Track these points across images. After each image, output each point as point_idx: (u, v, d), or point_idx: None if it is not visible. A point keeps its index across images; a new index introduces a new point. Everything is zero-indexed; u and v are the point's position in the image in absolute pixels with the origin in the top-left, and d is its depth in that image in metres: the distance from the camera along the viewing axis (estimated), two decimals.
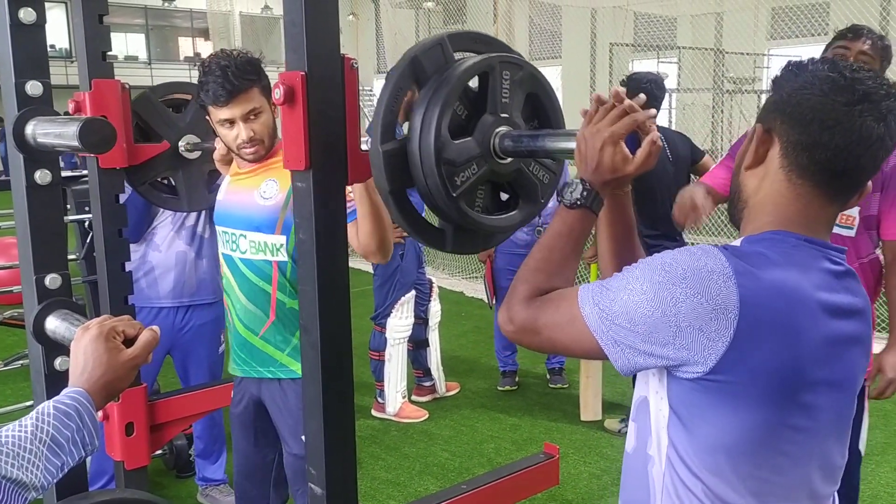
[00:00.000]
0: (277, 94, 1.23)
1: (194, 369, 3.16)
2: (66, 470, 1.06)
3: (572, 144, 1.22)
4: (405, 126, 1.30)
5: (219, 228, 2.23)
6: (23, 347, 4.23)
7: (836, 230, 2.44)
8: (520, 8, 11.10)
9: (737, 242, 1.14)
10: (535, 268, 1.20)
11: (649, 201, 3.77)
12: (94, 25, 1.83)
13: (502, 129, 1.30)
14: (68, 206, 3.31)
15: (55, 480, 1.05)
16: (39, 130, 1.44)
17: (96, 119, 1.31)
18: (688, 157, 3.97)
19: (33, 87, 1.51)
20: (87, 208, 2.62)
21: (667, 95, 5.96)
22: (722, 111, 12.09)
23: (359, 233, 1.92)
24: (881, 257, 2.46)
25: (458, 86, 1.24)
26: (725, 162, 2.76)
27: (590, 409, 4.22)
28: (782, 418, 1.06)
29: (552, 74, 21.95)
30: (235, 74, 1.99)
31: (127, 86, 2.00)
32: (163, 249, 2.99)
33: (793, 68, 1.13)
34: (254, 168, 2.13)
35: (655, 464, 1.15)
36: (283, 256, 2.07)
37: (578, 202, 1.19)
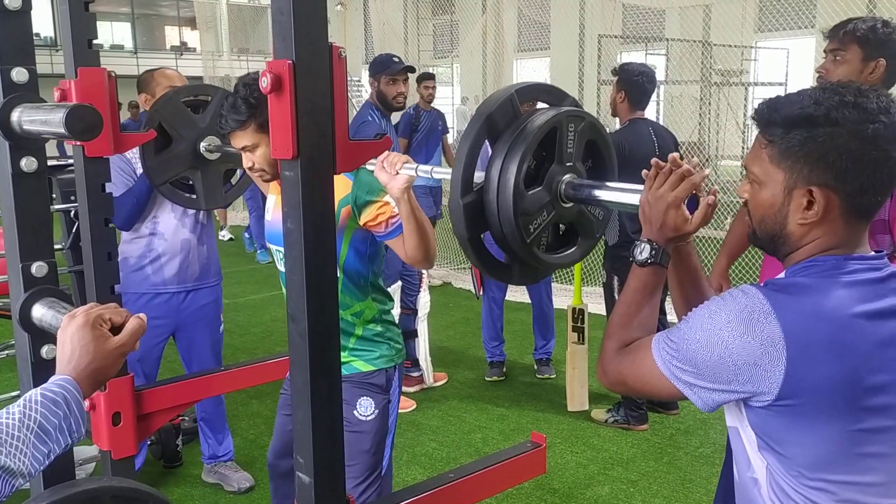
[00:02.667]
0: (264, 82, 1.22)
1: (198, 348, 3.28)
2: (52, 457, 1.06)
3: (632, 199, 1.34)
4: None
5: (272, 247, 2.31)
6: (8, 337, 4.20)
7: None
8: None
9: (781, 274, 1.25)
10: (619, 323, 1.34)
11: None
12: (80, 13, 1.82)
13: (567, 176, 1.40)
14: (54, 196, 3.30)
15: (42, 468, 1.05)
16: (25, 117, 1.43)
17: (83, 106, 1.31)
18: (674, 150, 3.99)
19: (19, 74, 1.50)
20: (72, 197, 2.63)
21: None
22: (710, 103, 12.13)
23: (406, 246, 2.02)
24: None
25: (532, 143, 1.33)
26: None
27: (576, 399, 4.24)
28: (856, 425, 1.14)
29: (540, 66, 21.93)
30: (229, 116, 2.09)
31: (113, 74, 1.99)
32: (168, 237, 3.09)
33: (802, 115, 1.17)
34: None
35: (761, 486, 1.23)
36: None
37: (649, 261, 1.32)
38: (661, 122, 5.00)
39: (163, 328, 3.18)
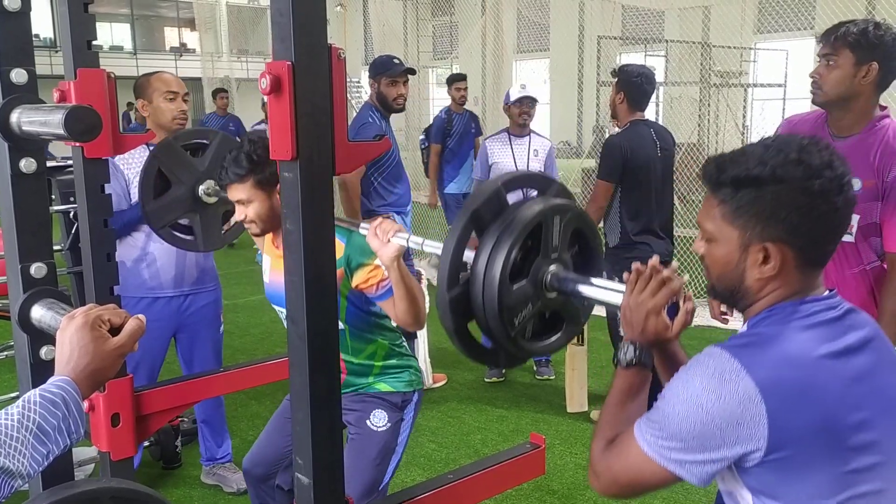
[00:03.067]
0: (264, 83, 1.22)
1: (199, 349, 3.28)
2: (51, 458, 1.06)
3: (614, 298, 1.37)
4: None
5: (275, 307, 2.34)
6: (7, 338, 4.20)
7: None
8: (508, 0, 11.07)
9: (743, 327, 1.29)
10: (605, 423, 1.36)
11: (639, 195, 3.79)
12: (79, 14, 1.82)
13: (553, 267, 1.41)
14: (53, 197, 3.30)
15: (41, 468, 1.05)
16: (24, 118, 1.43)
17: (82, 107, 1.31)
18: (673, 151, 3.99)
19: (18, 75, 1.50)
20: (72, 199, 2.63)
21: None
22: (709, 105, 12.14)
23: (396, 309, 2.04)
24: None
25: (517, 239, 1.33)
26: None
27: (576, 400, 4.24)
28: (845, 467, 1.15)
29: (540, 67, 21.95)
30: (229, 168, 2.14)
31: (112, 75, 1.99)
32: (164, 241, 3.04)
33: (749, 176, 1.22)
34: None
35: None
36: (339, 326, 2.17)
37: (633, 362, 1.37)
38: (663, 126, 5.01)
39: (163, 331, 3.17)
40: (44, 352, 1.59)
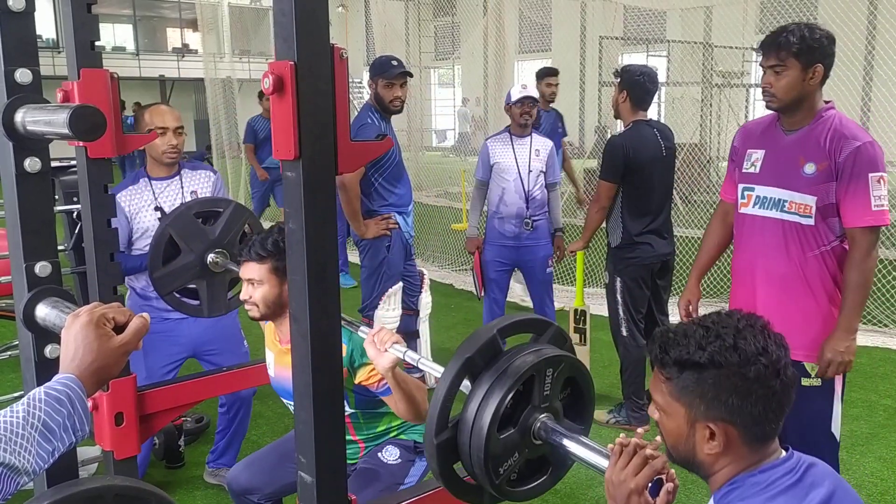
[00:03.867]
0: (266, 83, 1.23)
1: (228, 364, 3.21)
2: (56, 455, 1.07)
3: (599, 462, 1.37)
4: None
5: (284, 401, 2.39)
6: (11, 338, 4.21)
7: (794, 219, 2.52)
8: (509, 0, 11.07)
9: (711, 502, 1.36)
10: None
11: (641, 195, 3.80)
12: (83, 14, 1.83)
13: (542, 416, 1.42)
14: (56, 197, 3.31)
15: (46, 466, 1.06)
16: (29, 118, 1.44)
17: (86, 106, 1.31)
18: (674, 149, 4.00)
19: (22, 75, 1.51)
20: (75, 199, 2.63)
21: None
22: (711, 105, 12.14)
23: (397, 407, 2.07)
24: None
25: (508, 391, 1.34)
26: (731, 174, 2.83)
27: None
28: None
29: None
30: (253, 246, 2.22)
31: (115, 75, 2.00)
32: None
33: (689, 361, 1.30)
34: None
35: None
36: (350, 410, 2.26)
37: None
38: (665, 124, 4.98)
39: (178, 347, 3.15)
40: (48, 350, 1.60)
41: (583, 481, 3.44)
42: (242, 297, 2.26)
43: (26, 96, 1.50)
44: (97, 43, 1.88)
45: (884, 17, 9.22)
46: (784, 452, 1.33)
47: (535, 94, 4.54)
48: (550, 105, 5.86)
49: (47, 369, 1.59)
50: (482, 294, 4.74)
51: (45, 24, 20.45)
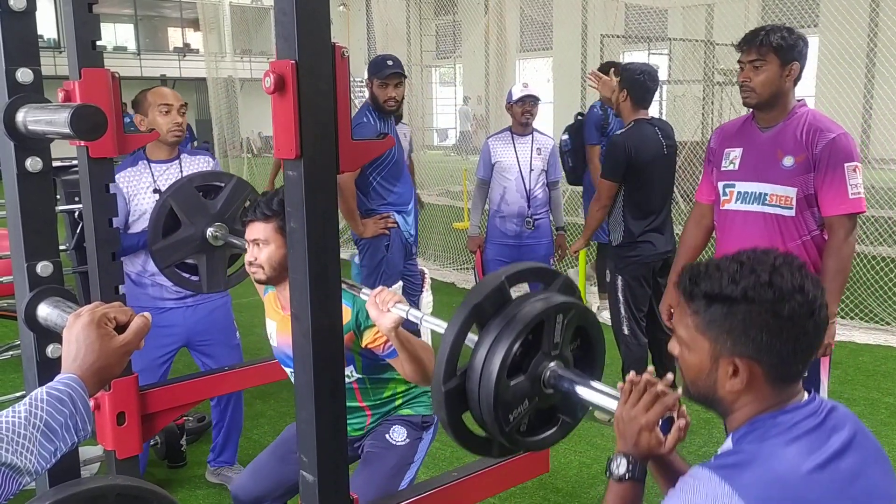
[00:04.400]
0: (268, 82, 1.23)
1: (219, 357, 3.26)
2: (59, 455, 1.07)
3: (610, 405, 1.35)
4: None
5: (286, 370, 2.36)
6: (12, 338, 4.21)
7: (776, 211, 2.61)
8: None
9: (728, 443, 1.30)
10: None
11: (643, 193, 3.79)
12: (84, 14, 1.83)
13: (552, 364, 1.40)
14: (58, 197, 3.30)
15: (48, 466, 1.06)
16: (30, 118, 1.44)
17: (88, 106, 1.31)
18: (675, 147, 3.99)
19: (24, 75, 1.51)
20: (77, 198, 2.63)
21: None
22: (712, 103, 12.12)
23: (403, 369, 2.06)
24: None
25: (517, 337, 1.32)
26: (707, 176, 2.89)
27: None
28: None
29: (543, 66, 21.92)
30: (259, 206, 2.19)
31: (117, 75, 2.00)
32: None
33: (721, 294, 1.24)
34: None
35: None
36: (356, 375, 2.25)
37: (626, 476, 1.35)
38: (665, 121, 4.93)
39: (171, 338, 3.16)
40: (50, 350, 1.60)
41: (584, 481, 3.45)
42: (247, 258, 2.23)
43: (27, 96, 1.50)
44: (98, 42, 1.88)
45: (886, 15, 9.21)
46: (806, 395, 1.29)
47: (536, 93, 4.53)
48: None
49: (49, 369, 1.59)
50: None
51: (47, 24, 20.45)
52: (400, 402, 2.34)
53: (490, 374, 1.31)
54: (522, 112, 4.47)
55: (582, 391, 1.37)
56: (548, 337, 1.38)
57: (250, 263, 2.22)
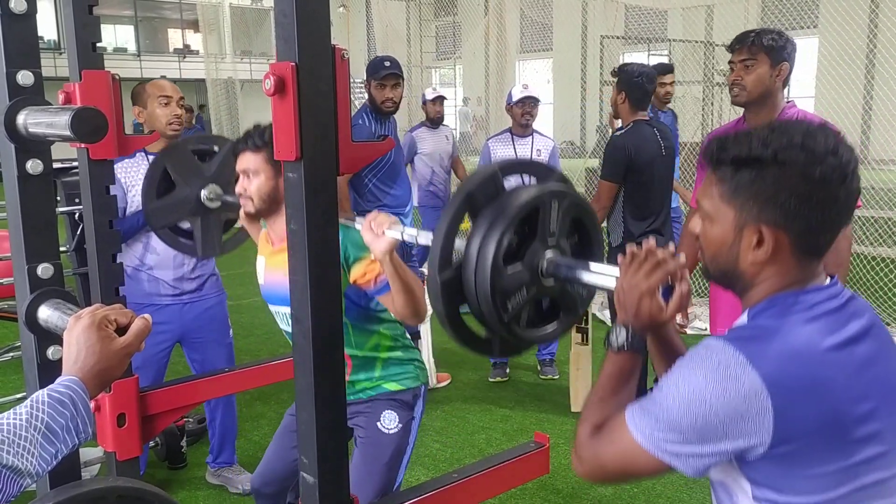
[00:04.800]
0: (268, 84, 1.23)
1: (211, 356, 3.27)
2: (59, 457, 1.07)
3: (608, 283, 1.33)
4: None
5: (272, 308, 2.31)
6: (13, 339, 4.21)
7: None
8: (511, 0, 11.09)
9: (744, 318, 1.24)
10: (592, 407, 1.32)
11: (642, 195, 3.80)
12: (84, 16, 1.83)
13: (549, 254, 1.38)
14: (58, 198, 3.31)
15: (49, 468, 1.06)
16: (31, 120, 1.44)
17: (88, 108, 1.32)
18: (674, 148, 4.00)
19: (24, 77, 1.51)
20: (77, 200, 2.64)
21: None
22: (712, 104, 12.13)
23: (394, 303, 2.01)
24: None
25: (512, 222, 1.31)
26: (701, 181, 2.90)
27: (580, 400, 4.24)
28: (852, 459, 1.13)
29: (543, 67, 21.93)
30: (251, 136, 2.16)
31: (117, 77, 2.00)
32: (160, 252, 3.06)
33: (751, 157, 1.18)
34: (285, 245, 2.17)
35: None
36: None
37: (625, 346, 1.32)
38: (666, 125, 4.93)
39: (164, 335, 3.16)
40: (51, 352, 1.60)
41: (584, 482, 3.45)
42: (237, 190, 2.21)
43: (28, 98, 1.50)
44: (98, 44, 1.89)
45: (885, 16, 9.22)
46: (829, 279, 1.24)
47: (536, 94, 4.53)
48: (667, 105, 5.47)
49: (50, 371, 1.60)
50: None
51: (47, 26, 20.46)
52: (382, 362, 2.25)
53: (485, 259, 1.28)
54: (522, 113, 4.48)
55: (581, 274, 1.35)
56: (543, 224, 1.36)
57: (240, 195, 2.21)
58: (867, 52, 11.11)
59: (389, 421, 2.23)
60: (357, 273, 2.08)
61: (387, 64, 4.09)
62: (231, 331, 3.43)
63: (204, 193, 2.61)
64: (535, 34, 18.03)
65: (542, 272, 1.37)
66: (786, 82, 2.67)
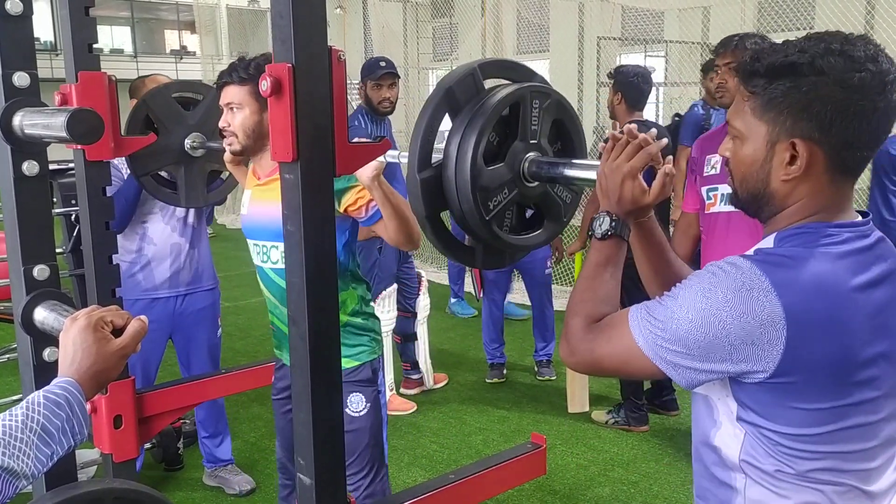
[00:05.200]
0: (265, 85, 1.23)
1: (195, 352, 3.29)
2: (55, 459, 1.07)
3: (592, 175, 1.31)
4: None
5: (249, 241, 2.29)
6: (9, 341, 4.21)
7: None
8: (507, 1, 11.08)
9: (769, 242, 1.18)
10: (582, 299, 1.28)
11: None
12: (81, 17, 1.83)
13: (531, 154, 1.36)
14: (55, 200, 3.31)
15: (45, 469, 1.06)
16: (27, 121, 1.44)
17: (84, 110, 1.31)
18: (669, 150, 4.00)
19: (20, 79, 1.51)
20: (73, 201, 2.64)
21: (654, 89, 5.96)
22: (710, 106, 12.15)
23: (387, 229, 2.02)
24: None
25: (492, 117, 1.29)
26: (692, 185, 2.96)
27: (577, 401, 4.25)
28: (846, 400, 1.12)
29: (540, 68, 21.93)
30: (237, 69, 2.12)
31: (113, 78, 2.00)
32: (157, 242, 3.10)
33: (787, 63, 1.13)
34: (273, 178, 2.17)
35: (731, 452, 1.20)
36: None
37: (609, 233, 1.28)
38: (660, 124, 4.91)
39: (158, 332, 3.17)
40: (47, 353, 1.60)
41: (582, 482, 3.45)
42: (221, 124, 2.18)
43: (24, 100, 1.50)
44: (95, 45, 1.88)
45: (881, 17, 9.24)
46: (860, 216, 1.19)
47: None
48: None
49: (46, 373, 1.59)
50: (481, 295, 4.74)
51: (43, 27, 20.44)
52: (344, 319, 2.18)
53: (465, 155, 1.26)
54: None
55: (563, 170, 1.33)
56: (524, 123, 1.34)
57: (223, 130, 2.17)
58: None
59: (357, 404, 2.20)
60: (348, 201, 2.07)
61: (382, 64, 4.10)
62: (220, 330, 3.43)
63: (188, 142, 2.61)
64: (532, 35, 18.01)
65: (524, 173, 1.36)
66: None
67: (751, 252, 1.16)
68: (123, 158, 2.91)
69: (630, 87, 3.82)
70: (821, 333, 1.08)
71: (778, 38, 1.20)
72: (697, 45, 12.07)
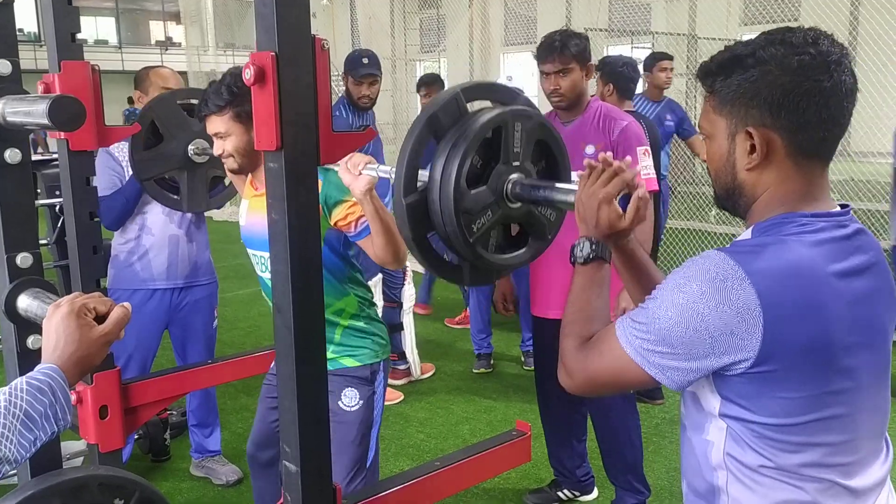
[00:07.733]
0: (248, 73, 1.23)
1: (192, 343, 3.30)
2: (38, 445, 1.07)
3: (572, 198, 1.35)
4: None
5: (249, 251, 2.31)
6: None
7: None
8: None
9: (747, 234, 1.21)
10: (572, 320, 1.31)
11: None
12: (63, 6, 1.81)
13: (514, 176, 1.39)
14: (38, 191, 3.30)
15: (28, 455, 1.06)
16: (9, 109, 1.43)
17: (66, 97, 1.31)
18: (658, 142, 4.01)
19: (2, 66, 1.51)
20: (57, 192, 2.64)
21: (641, 80, 5.98)
22: (696, 97, 12.19)
23: (374, 246, 2.02)
24: None
25: (474, 141, 1.31)
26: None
27: None
28: (825, 388, 1.14)
29: (527, 60, 21.91)
30: (209, 99, 2.13)
31: (97, 67, 1.99)
32: (156, 233, 3.10)
33: (732, 58, 1.19)
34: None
35: (715, 447, 1.22)
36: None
37: (591, 256, 1.32)
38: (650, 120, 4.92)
39: (155, 324, 3.17)
40: (31, 341, 1.60)
41: None
42: (216, 153, 2.21)
43: (6, 87, 1.50)
44: (79, 36, 1.87)
45: (865, 9, 9.29)
46: (839, 207, 1.21)
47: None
48: (663, 94, 5.42)
49: (30, 360, 1.59)
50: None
51: (27, 18, 20.24)
52: (342, 330, 2.21)
53: (448, 179, 1.29)
54: None
55: (545, 192, 1.37)
56: (506, 146, 1.36)
57: (221, 155, 2.21)
58: (848, 44, 11.20)
59: (350, 399, 2.22)
60: (339, 215, 2.08)
61: (365, 61, 4.04)
62: (216, 322, 3.45)
63: (191, 148, 2.63)
64: (520, 27, 18.00)
65: (507, 195, 1.39)
66: (589, 78, 2.90)
67: (729, 246, 1.18)
68: (126, 157, 2.93)
69: (620, 76, 3.84)
70: (798, 317, 1.10)
71: (764, 30, 1.23)
72: (684, 37, 12.10)
